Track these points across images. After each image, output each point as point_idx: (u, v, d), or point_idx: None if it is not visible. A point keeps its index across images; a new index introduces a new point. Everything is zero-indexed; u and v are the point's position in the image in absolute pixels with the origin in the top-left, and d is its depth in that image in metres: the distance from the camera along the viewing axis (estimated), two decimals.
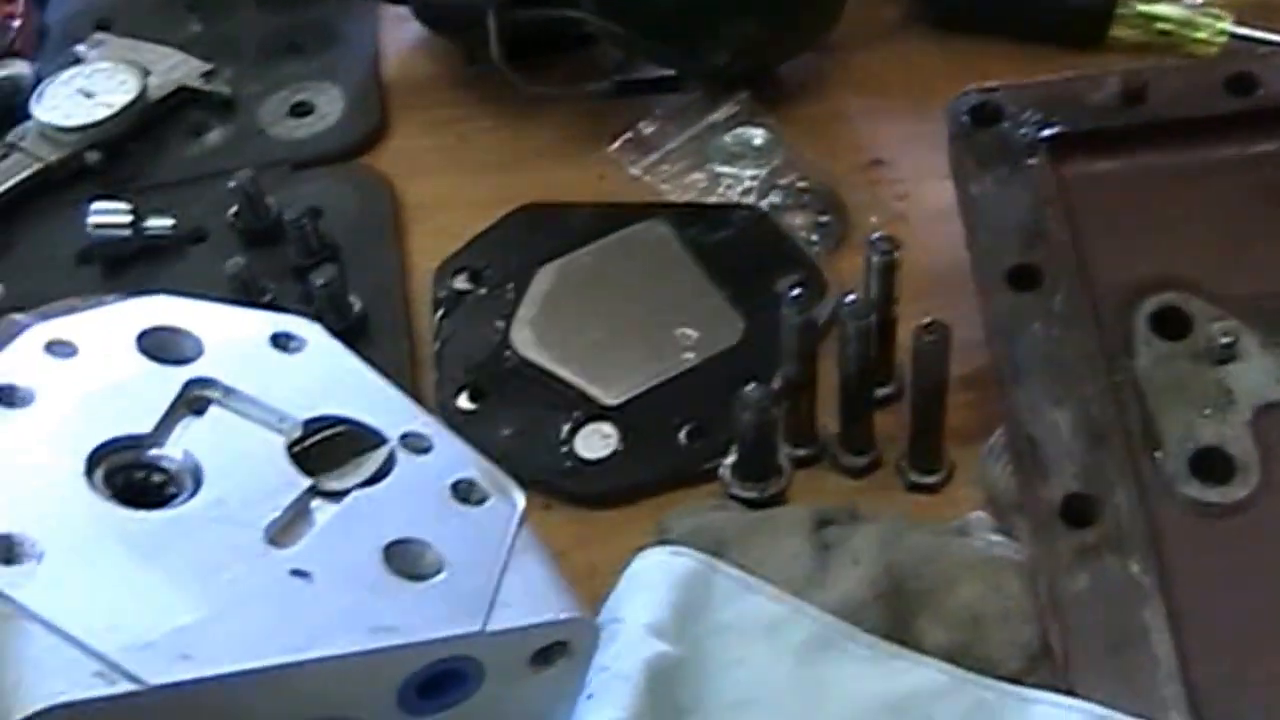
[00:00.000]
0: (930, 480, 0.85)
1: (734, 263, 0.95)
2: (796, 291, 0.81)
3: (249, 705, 0.60)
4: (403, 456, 0.69)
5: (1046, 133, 0.90)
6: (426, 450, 0.70)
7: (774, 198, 1.00)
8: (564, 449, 0.87)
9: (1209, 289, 0.85)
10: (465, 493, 0.69)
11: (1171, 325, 0.85)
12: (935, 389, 0.82)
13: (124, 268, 1.01)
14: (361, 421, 0.70)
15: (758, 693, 0.75)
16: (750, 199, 1.00)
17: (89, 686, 0.57)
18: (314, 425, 0.69)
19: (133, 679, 0.57)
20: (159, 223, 1.01)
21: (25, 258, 1.03)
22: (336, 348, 0.74)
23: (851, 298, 0.81)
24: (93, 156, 1.06)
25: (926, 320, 0.80)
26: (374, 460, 0.69)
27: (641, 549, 0.79)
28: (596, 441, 0.88)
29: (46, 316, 0.85)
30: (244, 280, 0.91)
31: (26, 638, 0.58)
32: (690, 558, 0.77)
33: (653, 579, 0.76)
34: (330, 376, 0.72)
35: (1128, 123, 0.90)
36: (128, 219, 1.00)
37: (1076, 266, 0.86)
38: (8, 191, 1.05)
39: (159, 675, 0.58)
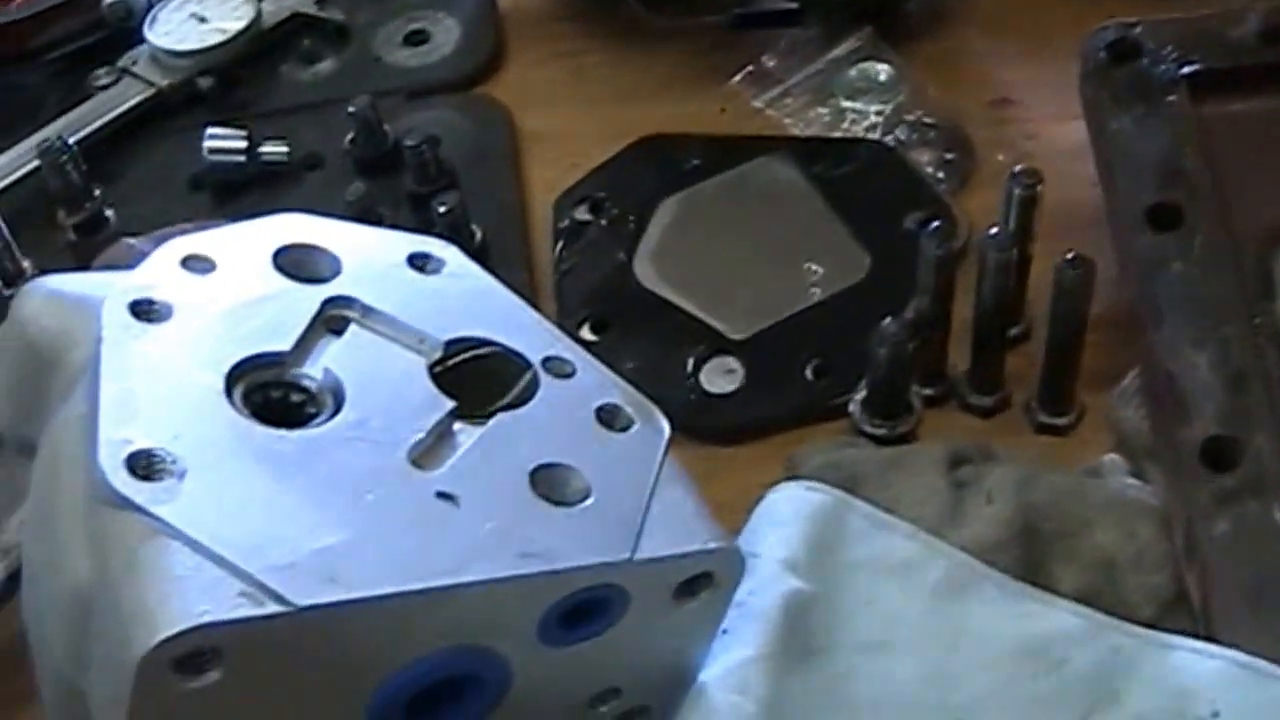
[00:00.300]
0: (1060, 422, 0.84)
1: (860, 198, 0.93)
2: (935, 224, 0.80)
3: (389, 632, 0.59)
4: (545, 380, 0.68)
5: (1186, 70, 0.88)
6: (569, 375, 0.69)
7: (899, 134, 0.98)
8: (689, 383, 0.86)
9: None
10: (610, 418, 0.67)
11: None
12: (1074, 326, 0.80)
13: (237, 194, 1.00)
14: (503, 344, 0.69)
15: (891, 633, 0.74)
16: (875, 134, 0.98)
17: (234, 607, 0.55)
18: (455, 347, 0.68)
19: (280, 600, 0.56)
20: (274, 149, 1.00)
21: (137, 183, 1.03)
22: (474, 269, 0.73)
23: (994, 230, 0.80)
24: (205, 82, 1.06)
25: (1070, 254, 0.78)
26: (517, 383, 0.68)
27: (774, 484, 0.78)
28: (721, 376, 0.87)
29: (160, 241, 0.84)
30: (363, 207, 0.90)
31: (169, 556, 0.57)
32: (824, 493, 0.76)
33: (786, 514, 0.75)
34: (469, 298, 0.71)
35: (1269, 61, 0.88)
36: (243, 145, 1.00)
37: (1216, 207, 0.84)
38: (119, 117, 1.05)
39: (306, 597, 0.56)
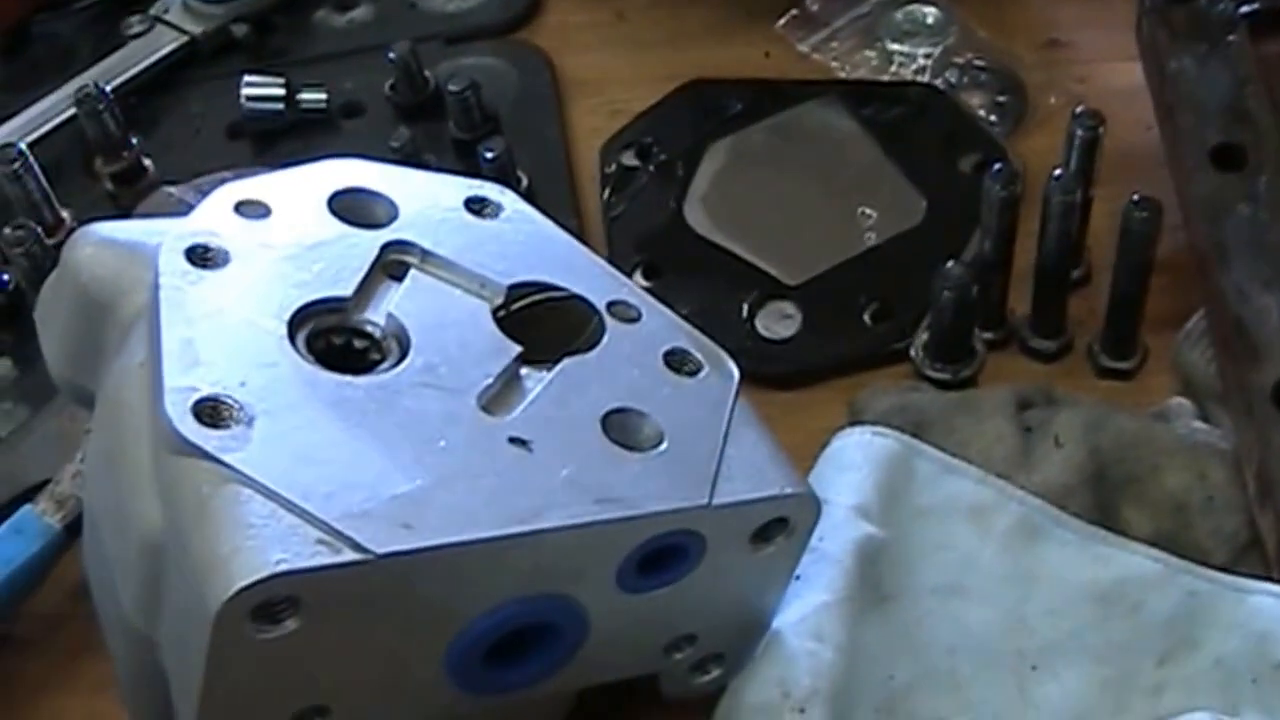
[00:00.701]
0: (1124, 366, 0.82)
1: (912, 141, 0.92)
2: (998, 165, 0.78)
3: (466, 580, 0.58)
4: (611, 325, 0.66)
5: (1245, 9, 0.86)
6: (635, 319, 0.67)
7: (949, 76, 0.96)
8: (744, 328, 0.85)
9: None
10: (678, 363, 0.66)
11: None
12: (1141, 268, 0.79)
13: (276, 142, 0.99)
14: (567, 288, 0.67)
15: (962, 579, 0.73)
16: (924, 77, 0.96)
17: (312, 555, 0.54)
18: (517, 291, 0.66)
19: (357, 548, 0.54)
20: (312, 96, 0.99)
21: (174, 133, 1.01)
22: (533, 214, 0.71)
23: (1058, 172, 0.78)
24: (240, 30, 1.04)
25: (1136, 196, 0.77)
26: (583, 328, 0.66)
27: (836, 430, 0.77)
28: (778, 321, 0.85)
29: (200, 190, 0.83)
30: (409, 153, 0.89)
31: (242, 504, 0.55)
32: (892, 438, 0.75)
33: (855, 459, 0.74)
34: (529, 242, 0.69)
35: None
36: (281, 92, 0.98)
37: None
38: (153, 65, 1.03)
39: (384, 545, 0.55)
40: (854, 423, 0.77)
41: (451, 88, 0.93)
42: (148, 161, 0.96)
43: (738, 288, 0.86)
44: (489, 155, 0.88)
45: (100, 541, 0.65)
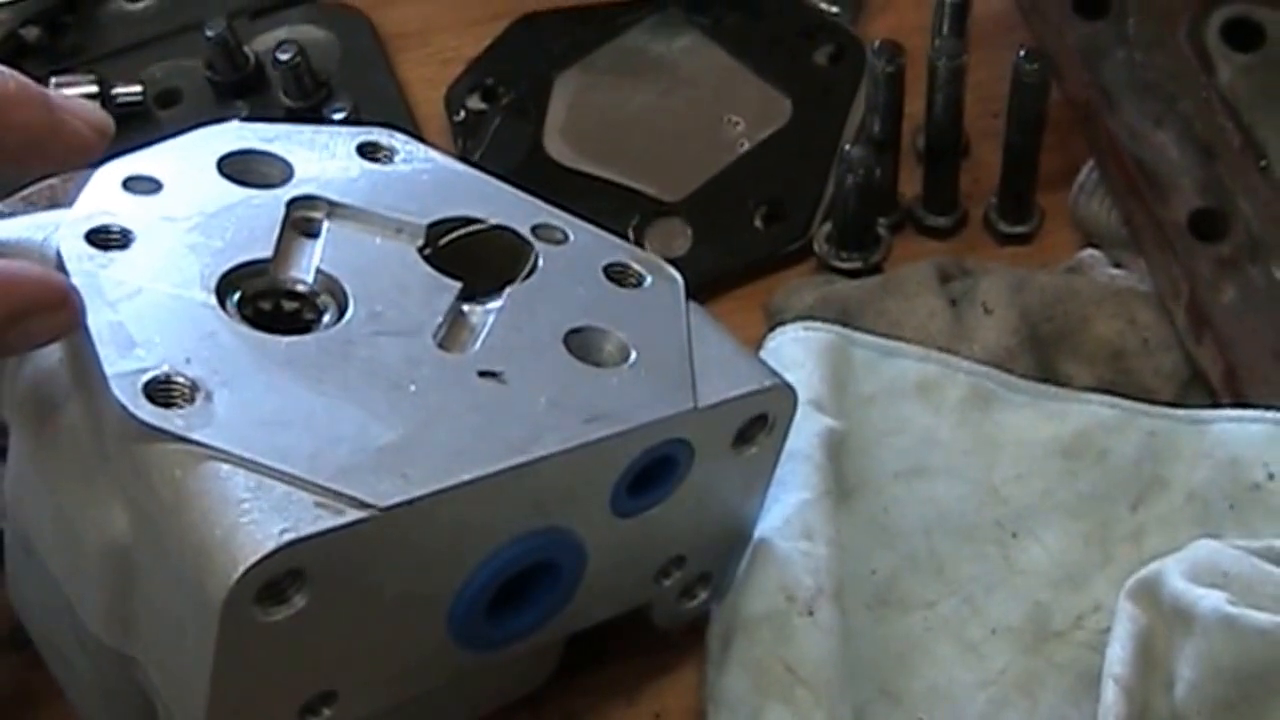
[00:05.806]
0: (1023, 229, 0.81)
1: (762, 42, 0.89)
2: (878, 43, 0.77)
3: (470, 522, 0.55)
4: (542, 248, 0.63)
5: None
6: (564, 240, 0.64)
7: None
8: None
9: None
10: (620, 275, 0.63)
11: (1245, 36, 0.81)
12: (1035, 123, 0.78)
13: None
14: (486, 219, 0.64)
15: (923, 459, 0.71)
16: None
17: (315, 520, 0.50)
18: (437, 229, 0.63)
19: (360, 505, 0.51)
20: (128, 90, 0.92)
21: None
22: (429, 151, 0.68)
23: (937, 42, 0.77)
24: (31, 33, 0.98)
25: (1023, 50, 0.76)
26: (513, 256, 0.63)
27: (758, 337, 0.75)
28: (668, 240, 0.82)
29: (30, 203, 0.78)
30: None
31: (224, 480, 0.51)
32: (825, 330, 0.73)
33: (795, 356, 0.72)
34: (433, 179, 0.66)
35: None
36: (94, 90, 0.92)
37: None
38: None
39: (386, 497, 0.51)
40: (777, 324, 0.74)
41: (280, 56, 0.88)
42: None
43: (619, 213, 0.83)
44: (338, 118, 0.84)
45: (38, 568, 0.60)
